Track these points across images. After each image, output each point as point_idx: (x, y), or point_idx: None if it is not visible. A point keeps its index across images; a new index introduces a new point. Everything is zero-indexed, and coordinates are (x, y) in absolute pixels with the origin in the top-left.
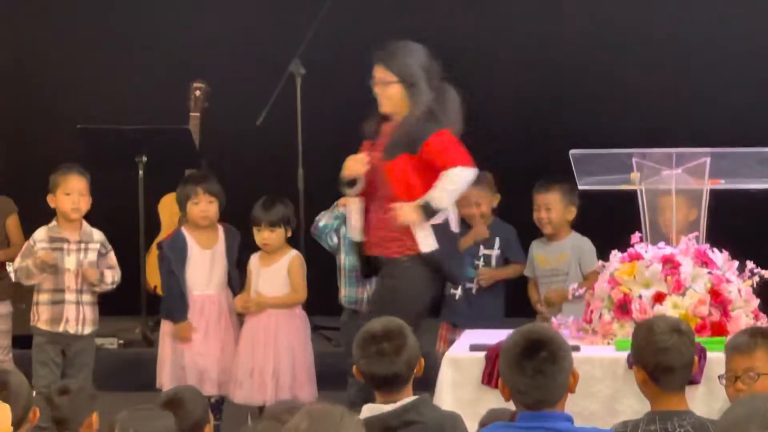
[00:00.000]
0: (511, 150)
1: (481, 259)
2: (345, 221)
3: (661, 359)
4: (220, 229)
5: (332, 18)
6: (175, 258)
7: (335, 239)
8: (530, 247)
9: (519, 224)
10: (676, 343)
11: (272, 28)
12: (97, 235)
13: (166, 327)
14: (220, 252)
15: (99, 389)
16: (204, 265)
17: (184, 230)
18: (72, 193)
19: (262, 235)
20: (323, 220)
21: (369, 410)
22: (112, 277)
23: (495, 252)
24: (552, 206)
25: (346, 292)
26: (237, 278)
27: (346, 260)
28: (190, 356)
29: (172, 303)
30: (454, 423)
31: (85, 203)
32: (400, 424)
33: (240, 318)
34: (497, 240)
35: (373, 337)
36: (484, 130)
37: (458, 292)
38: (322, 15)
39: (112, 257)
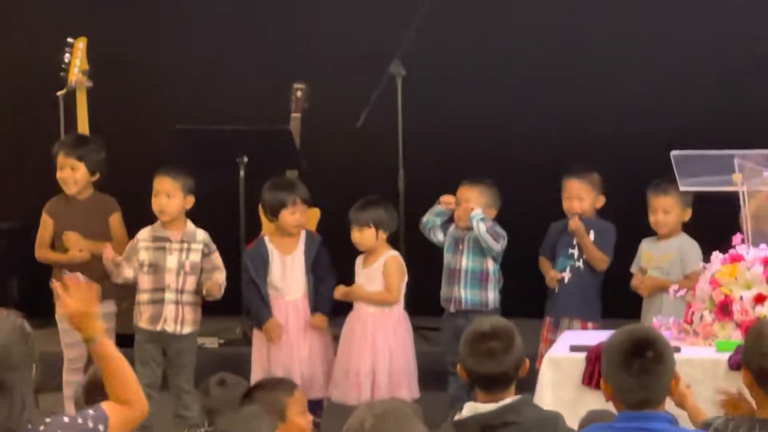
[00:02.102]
0: (613, 151)
1: (576, 248)
2: (449, 219)
3: (765, 364)
4: (302, 234)
5: (433, 18)
6: (256, 266)
7: (440, 236)
8: (640, 244)
9: (621, 224)
10: None
11: (373, 29)
12: (201, 235)
13: (256, 337)
14: (299, 258)
15: (198, 389)
16: (285, 272)
17: (267, 238)
18: (159, 194)
19: (353, 235)
20: (426, 216)
21: (469, 409)
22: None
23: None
24: (669, 209)
25: (442, 290)
26: (312, 283)
27: (445, 258)
28: (277, 361)
29: (255, 308)
30: (554, 423)
31: (173, 205)
32: (499, 423)
33: (333, 319)
34: (592, 233)
35: (482, 335)
36: (593, 131)
37: (555, 284)
38: (423, 15)
39: (216, 258)
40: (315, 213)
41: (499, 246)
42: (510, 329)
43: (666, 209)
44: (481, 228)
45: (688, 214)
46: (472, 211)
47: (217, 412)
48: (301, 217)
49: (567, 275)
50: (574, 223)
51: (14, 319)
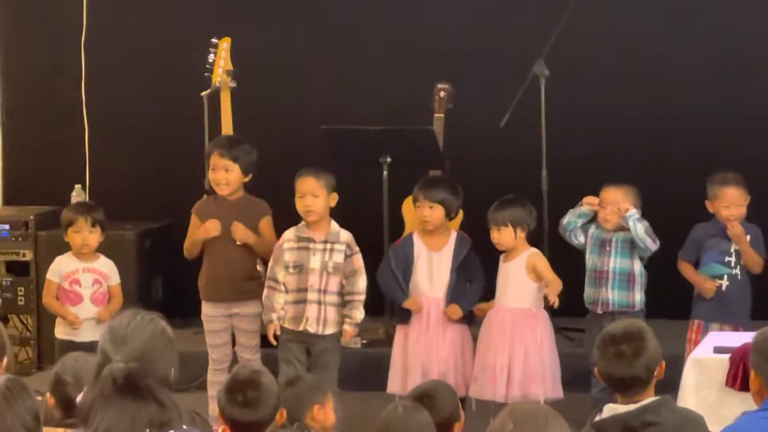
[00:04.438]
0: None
1: (733, 255)
2: (591, 220)
3: None
4: (453, 235)
5: (577, 18)
6: (397, 259)
7: (581, 238)
8: None
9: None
10: None
11: (516, 29)
12: (345, 236)
13: (399, 333)
14: (447, 257)
15: (342, 389)
16: (430, 269)
17: (415, 234)
18: (304, 195)
19: (492, 235)
20: (567, 217)
21: (609, 410)
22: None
23: None
24: None
25: (586, 292)
26: (455, 283)
27: (589, 259)
28: (415, 359)
29: (390, 291)
30: (694, 425)
31: (319, 204)
32: (639, 424)
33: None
34: (748, 237)
35: (612, 338)
36: (732, 130)
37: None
38: (567, 15)
39: (357, 261)
40: (458, 213)
41: (656, 246)
42: (642, 333)
43: None
44: (639, 228)
45: None
46: (627, 211)
47: (291, 412)
48: (427, 212)
49: (725, 283)
50: (738, 230)
51: (156, 322)
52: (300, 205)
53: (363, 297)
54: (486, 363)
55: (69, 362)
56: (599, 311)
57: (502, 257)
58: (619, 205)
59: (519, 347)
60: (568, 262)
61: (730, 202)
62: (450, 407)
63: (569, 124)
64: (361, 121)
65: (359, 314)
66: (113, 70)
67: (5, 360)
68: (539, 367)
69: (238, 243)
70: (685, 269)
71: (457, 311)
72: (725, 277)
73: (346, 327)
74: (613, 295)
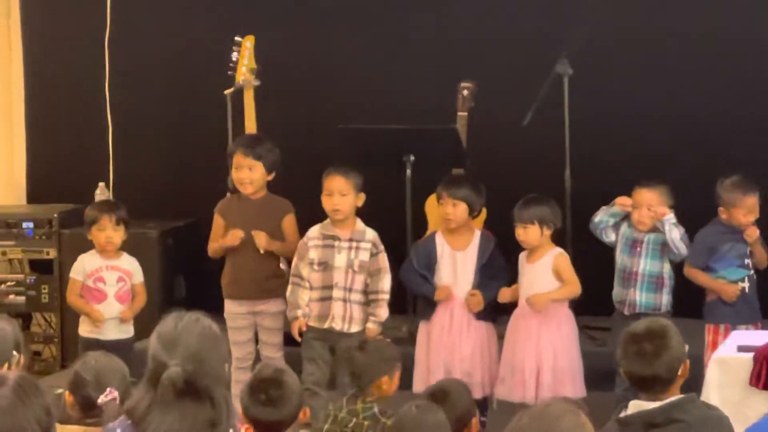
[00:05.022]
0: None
1: (749, 257)
2: (623, 219)
3: None
4: (477, 233)
5: (600, 17)
6: (420, 258)
7: (612, 236)
8: None
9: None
10: None
11: (539, 28)
12: (370, 234)
13: (421, 332)
14: (471, 255)
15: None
16: (454, 268)
17: (438, 233)
18: (332, 193)
19: (518, 233)
20: (599, 215)
21: (634, 406)
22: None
23: None
24: None
25: (615, 290)
26: (479, 282)
27: (619, 258)
28: (438, 358)
29: (418, 287)
30: (718, 424)
31: (347, 203)
32: (664, 421)
33: (499, 319)
34: None
35: (634, 336)
36: (750, 132)
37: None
38: (590, 14)
39: (383, 259)
40: (481, 212)
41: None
42: (665, 331)
43: None
44: (675, 234)
45: None
46: (665, 215)
47: (361, 377)
48: (450, 210)
49: (746, 285)
50: (756, 234)
51: (202, 321)
52: (327, 203)
53: (387, 296)
54: (514, 366)
55: (90, 362)
56: (626, 312)
57: (523, 255)
58: (655, 209)
59: (547, 348)
60: (590, 262)
61: (749, 209)
62: (464, 403)
63: (592, 123)
64: (384, 119)
65: (383, 313)
66: (137, 69)
67: (22, 358)
68: (569, 367)
69: (261, 252)
70: (699, 276)
71: (478, 299)
72: (746, 279)
73: (370, 325)
74: (641, 297)
